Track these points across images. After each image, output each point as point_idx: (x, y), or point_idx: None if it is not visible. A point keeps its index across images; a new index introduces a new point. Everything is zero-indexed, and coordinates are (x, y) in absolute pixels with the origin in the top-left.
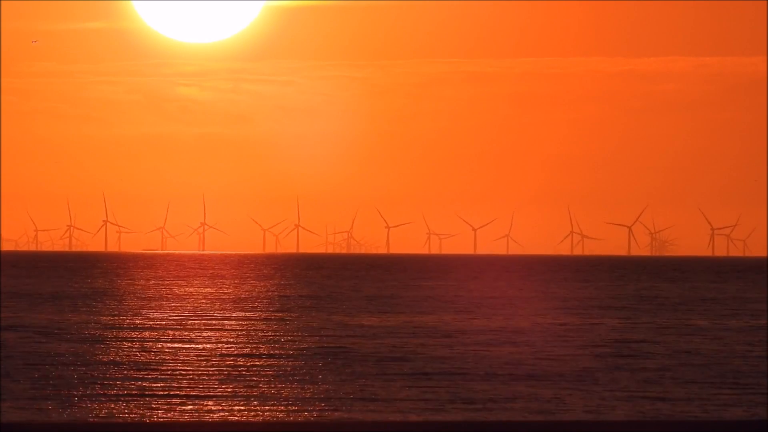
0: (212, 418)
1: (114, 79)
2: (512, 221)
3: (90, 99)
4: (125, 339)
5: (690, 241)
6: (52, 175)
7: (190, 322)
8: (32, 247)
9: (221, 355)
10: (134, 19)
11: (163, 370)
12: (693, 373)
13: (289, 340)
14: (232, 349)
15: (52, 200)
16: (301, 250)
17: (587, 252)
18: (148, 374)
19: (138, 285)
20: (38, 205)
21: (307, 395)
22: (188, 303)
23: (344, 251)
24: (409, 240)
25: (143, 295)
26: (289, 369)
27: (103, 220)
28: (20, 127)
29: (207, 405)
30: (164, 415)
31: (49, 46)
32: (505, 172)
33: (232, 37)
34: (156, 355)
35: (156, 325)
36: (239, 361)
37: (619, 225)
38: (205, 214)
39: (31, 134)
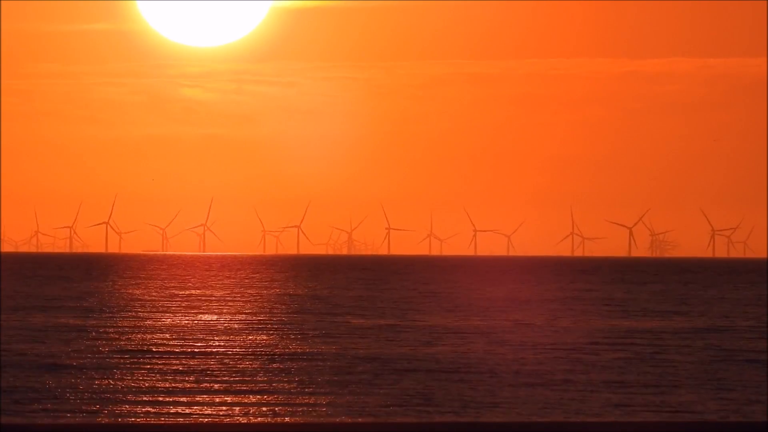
0: (212, 418)
1: (118, 81)
2: (514, 222)
3: (94, 100)
4: (127, 339)
5: (691, 242)
6: (55, 176)
7: (188, 322)
8: (33, 249)
9: (226, 355)
10: (138, 20)
11: (166, 371)
12: (692, 374)
13: (290, 341)
14: (237, 350)
15: (54, 202)
16: (302, 252)
17: (587, 253)
18: (148, 374)
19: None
20: (39, 206)
21: (306, 396)
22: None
23: (345, 253)
24: (409, 242)
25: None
26: (288, 369)
27: (104, 222)
28: (24, 129)
29: (207, 405)
30: (164, 416)
31: (52, 48)
32: (508, 173)
33: (236, 40)
34: (159, 356)
35: (161, 326)
36: (242, 362)
37: (620, 225)
38: (208, 216)
39: (35, 136)
